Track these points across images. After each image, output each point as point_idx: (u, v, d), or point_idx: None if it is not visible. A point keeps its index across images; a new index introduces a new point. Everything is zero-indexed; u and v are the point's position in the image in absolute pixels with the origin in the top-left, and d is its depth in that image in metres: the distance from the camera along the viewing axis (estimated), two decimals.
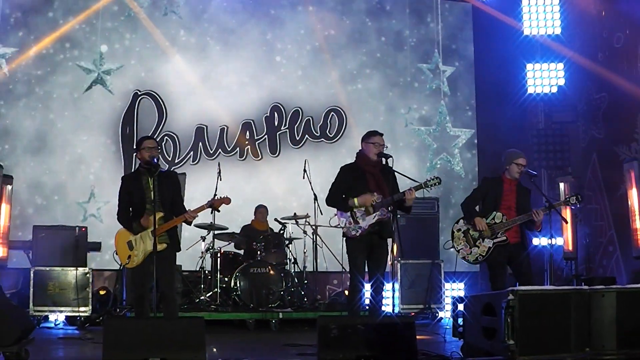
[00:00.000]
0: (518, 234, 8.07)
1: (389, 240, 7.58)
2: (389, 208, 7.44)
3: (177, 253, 7.49)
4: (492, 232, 8.00)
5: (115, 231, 7.52)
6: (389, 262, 7.64)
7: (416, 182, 7.54)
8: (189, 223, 7.50)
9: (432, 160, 13.05)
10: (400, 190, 7.50)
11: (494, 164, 12.59)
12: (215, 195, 10.12)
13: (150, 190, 7.21)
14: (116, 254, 7.47)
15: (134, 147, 11.63)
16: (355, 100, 12.84)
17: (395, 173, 7.61)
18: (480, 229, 8.01)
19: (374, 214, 7.46)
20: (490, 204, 8.11)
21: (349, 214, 7.55)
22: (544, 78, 12.61)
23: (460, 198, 11.97)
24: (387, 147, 7.71)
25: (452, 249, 8.27)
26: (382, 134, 7.70)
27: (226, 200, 7.50)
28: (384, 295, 7.71)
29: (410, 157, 12.88)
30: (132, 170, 11.56)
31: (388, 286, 9.05)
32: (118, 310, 10.29)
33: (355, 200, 7.47)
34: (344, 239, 7.65)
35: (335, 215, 7.68)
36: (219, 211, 7.78)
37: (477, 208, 8.26)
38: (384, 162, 7.60)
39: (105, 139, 11.90)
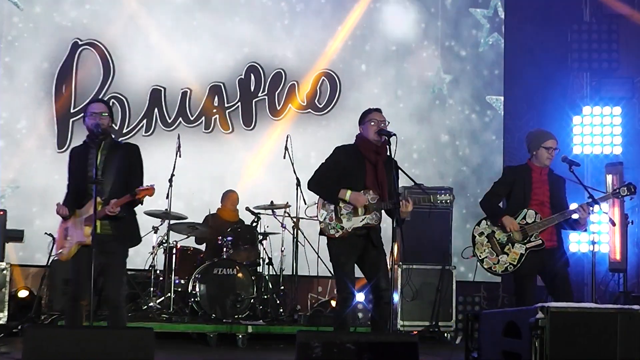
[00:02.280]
0: (554, 236, 8.04)
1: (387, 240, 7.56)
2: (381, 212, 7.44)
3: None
4: (524, 234, 7.95)
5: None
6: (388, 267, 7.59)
7: (424, 193, 7.49)
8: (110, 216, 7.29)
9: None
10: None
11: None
12: (171, 180, 10.12)
13: (97, 167, 7.17)
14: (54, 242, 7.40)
15: (72, 110, 11.67)
16: (354, 61, 12.76)
17: (400, 170, 7.57)
18: (511, 230, 7.98)
19: (363, 217, 7.46)
20: (518, 200, 8.08)
21: (332, 207, 7.51)
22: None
23: None
24: (388, 122, 7.66)
25: (473, 258, 8.25)
26: (379, 109, 7.73)
27: (149, 191, 7.22)
28: (392, 302, 7.56)
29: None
30: (67, 139, 11.52)
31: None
32: (43, 317, 10.22)
33: (348, 192, 7.42)
34: (325, 237, 7.62)
35: (315, 203, 7.66)
36: (141, 203, 7.54)
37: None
38: (388, 153, 7.53)
39: (34, 99, 11.78)
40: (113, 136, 7.50)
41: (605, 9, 12.78)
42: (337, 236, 7.46)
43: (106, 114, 7.32)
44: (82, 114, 11.23)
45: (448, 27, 13.03)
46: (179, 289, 10.37)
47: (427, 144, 12.80)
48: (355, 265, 7.58)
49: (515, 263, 7.98)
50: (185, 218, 10.83)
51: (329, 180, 7.58)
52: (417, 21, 12.97)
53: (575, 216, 7.94)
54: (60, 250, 7.30)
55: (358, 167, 7.56)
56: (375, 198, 7.46)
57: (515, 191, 8.10)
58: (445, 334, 10.69)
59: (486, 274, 11.52)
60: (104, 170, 7.19)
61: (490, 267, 8.12)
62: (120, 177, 7.27)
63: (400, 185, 7.64)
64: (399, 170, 7.53)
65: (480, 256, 8.14)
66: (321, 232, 7.61)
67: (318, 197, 7.64)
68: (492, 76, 13.12)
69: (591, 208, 7.89)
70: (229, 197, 11.35)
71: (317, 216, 7.61)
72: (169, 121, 12.12)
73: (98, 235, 7.08)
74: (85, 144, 7.37)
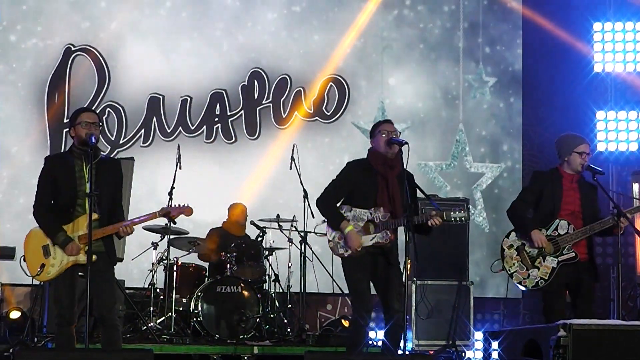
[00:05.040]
0: (585, 249, 7.99)
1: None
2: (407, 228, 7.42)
3: (118, 265, 7.43)
4: (556, 247, 7.93)
5: None
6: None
7: (437, 209, 7.52)
8: (119, 237, 7.39)
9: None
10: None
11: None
12: (171, 193, 10.12)
13: (86, 181, 7.15)
14: (24, 259, 7.35)
15: (66, 120, 11.68)
16: (363, 66, 12.77)
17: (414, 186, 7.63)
18: (540, 246, 7.94)
19: (373, 235, 7.49)
20: (547, 209, 8.03)
21: None
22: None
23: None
24: (399, 132, 7.71)
25: (502, 272, 8.22)
26: (389, 120, 7.85)
27: (187, 211, 7.44)
28: (404, 328, 7.59)
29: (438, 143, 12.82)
30: (61, 151, 11.50)
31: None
32: (36, 339, 10.20)
33: (348, 228, 7.46)
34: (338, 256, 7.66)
35: (324, 221, 7.71)
36: (174, 222, 7.68)
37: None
38: (403, 166, 7.55)
39: (24, 108, 11.83)
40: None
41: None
42: (346, 256, 7.50)
43: (100, 126, 7.35)
44: None
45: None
46: (180, 308, 10.33)
47: (441, 149, 12.81)
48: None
49: (546, 278, 7.89)
50: (187, 233, 10.82)
51: (337, 200, 7.66)
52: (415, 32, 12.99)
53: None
54: (49, 270, 7.14)
55: (369, 183, 7.60)
56: (386, 216, 7.48)
57: (544, 199, 8.05)
58: (463, 354, 10.66)
59: (505, 289, 11.53)
60: (97, 185, 7.13)
61: (520, 281, 8.02)
62: (110, 193, 7.29)
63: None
64: (415, 184, 7.59)
65: (509, 270, 8.06)
66: (332, 251, 7.65)
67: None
68: (510, 79, 13.11)
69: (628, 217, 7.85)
70: (238, 209, 11.33)
71: (326, 234, 7.64)
72: (168, 131, 12.14)
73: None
74: (70, 154, 7.33)
